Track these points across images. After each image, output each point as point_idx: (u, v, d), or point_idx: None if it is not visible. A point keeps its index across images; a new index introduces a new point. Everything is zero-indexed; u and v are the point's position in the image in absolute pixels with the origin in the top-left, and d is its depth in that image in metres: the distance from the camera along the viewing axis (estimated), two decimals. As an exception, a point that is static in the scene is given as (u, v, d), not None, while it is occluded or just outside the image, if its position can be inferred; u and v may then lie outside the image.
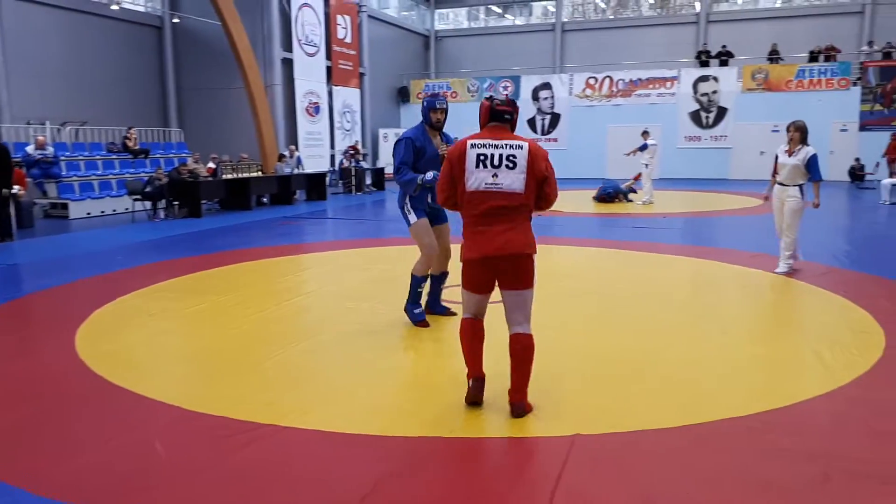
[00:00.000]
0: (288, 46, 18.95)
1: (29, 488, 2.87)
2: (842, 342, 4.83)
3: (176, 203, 13.54)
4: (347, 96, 21.97)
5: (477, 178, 3.45)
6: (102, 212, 14.02)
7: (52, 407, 3.82)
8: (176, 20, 19.62)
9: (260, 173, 15.95)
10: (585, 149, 23.87)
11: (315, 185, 17.40)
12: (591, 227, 12.03)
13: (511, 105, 3.58)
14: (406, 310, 5.38)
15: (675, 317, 5.71)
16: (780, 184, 7.15)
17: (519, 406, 3.56)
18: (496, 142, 3.46)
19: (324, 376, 4.33)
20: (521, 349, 3.52)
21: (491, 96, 3.71)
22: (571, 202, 15.11)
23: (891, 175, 16.48)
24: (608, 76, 24.18)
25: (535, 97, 24.83)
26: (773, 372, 4.32)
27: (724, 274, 7.50)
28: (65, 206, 13.36)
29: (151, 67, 19.56)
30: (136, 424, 3.59)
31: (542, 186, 3.48)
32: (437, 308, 5.59)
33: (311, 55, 19.84)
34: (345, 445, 3.28)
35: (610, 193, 15.22)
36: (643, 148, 14.46)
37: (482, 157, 3.45)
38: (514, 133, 3.58)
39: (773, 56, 23.10)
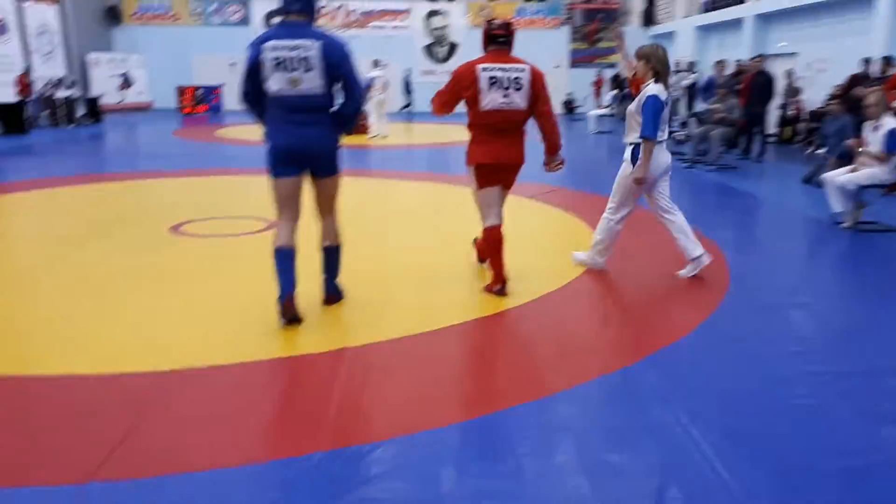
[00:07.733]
0: (-42, -53, 15.56)
1: None
2: (564, 246, 5.52)
3: None
4: (44, 15, 18.85)
5: (491, 99, 4.00)
6: None
7: None
8: None
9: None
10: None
11: (12, 117, 14.87)
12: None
13: (506, 28, 4.07)
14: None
15: (420, 234, 6.02)
16: None
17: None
18: (504, 65, 4.01)
19: (54, 322, 3.83)
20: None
21: (490, 20, 4.22)
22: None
23: (597, 108, 18.82)
24: (342, 6, 23.85)
25: (269, 24, 23.63)
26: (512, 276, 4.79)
27: (460, 195, 8.04)
28: None
29: None
30: None
31: (537, 103, 4.09)
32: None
33: (-8, -39, 16.55)
34: (97, 387, 2.97)
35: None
36: (368, 84, 13.30)
37: (493, 80, 3.99)
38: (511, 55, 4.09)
39: (494, -7, 24.70)
